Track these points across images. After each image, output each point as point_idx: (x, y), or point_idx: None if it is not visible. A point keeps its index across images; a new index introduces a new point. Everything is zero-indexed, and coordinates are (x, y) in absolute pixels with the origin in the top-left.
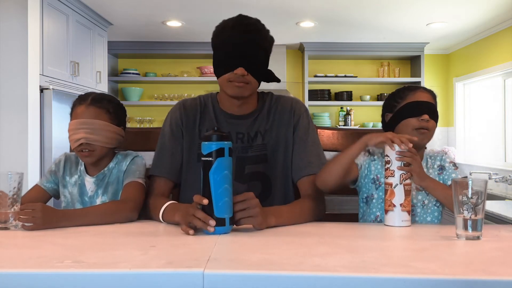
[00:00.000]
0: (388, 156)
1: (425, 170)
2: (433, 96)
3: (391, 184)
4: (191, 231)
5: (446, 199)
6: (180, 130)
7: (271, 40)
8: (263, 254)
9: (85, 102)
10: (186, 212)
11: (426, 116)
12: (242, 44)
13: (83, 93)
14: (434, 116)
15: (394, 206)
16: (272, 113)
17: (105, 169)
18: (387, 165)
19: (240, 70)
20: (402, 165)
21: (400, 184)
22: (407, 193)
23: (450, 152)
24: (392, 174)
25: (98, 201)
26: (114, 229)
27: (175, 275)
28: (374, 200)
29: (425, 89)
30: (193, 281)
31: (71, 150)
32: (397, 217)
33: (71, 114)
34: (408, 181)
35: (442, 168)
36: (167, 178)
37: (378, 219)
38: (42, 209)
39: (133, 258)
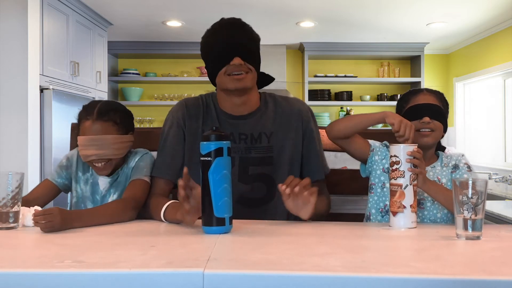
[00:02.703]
0: (397, 157)
1: (439, 168)
2: (439, 97)
3: (400, 185)
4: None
5: (447, 202)
6: (182, 130)
7: (257, 35)
8: (263, 254)
9: (91, 117)
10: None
11: (426, 119)
12: (233, 37)
13: (87, 103)
14: (438, 116)
15: (404, 207)
16: (279, 115)
17: (119, 169)
18: (396, 166)
19: (237, 60)
20: (412, 166)
21: (410, 185)
22: (415, 194)
23: (450, 152)
24: (402, 175)
25: (110, 200)
26: (114, 229)
27: (175, 275)
28: (385, 189)
29: (428, 90)
30: (193, 281)
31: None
32: (408, 218)
33: (78, 126)
34: (415, 182)
35: (456, 167)
36: (168, 179)
37: (387, 208)
38: (60, 213)
39: (133, 258)
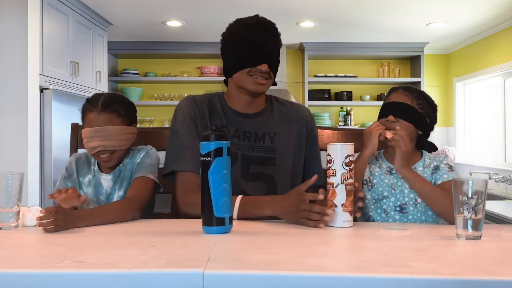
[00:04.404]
0: (330, 155)
1: (420, 169)
2: (415, 95)
3: (332, 184)
4: (322, 225)
5: (422, 192)
6: (195, 123)
7: (281, 43)
8: (263, 254)
9: (95, 109)
10: (297, 208)
11: (390, 117)
12: (266, 42)
13: (90, 96)
14: (406, 115)
15: (336, 206)
16: (284, 118)
17: (121, 165)
18: (329, 164)
19: (265, 66)
20: (344, 165)
21: (342, 184)
22: (349, 193)
23: (450, 152)
24: (333, 173)
25: (115, 197)
26: (114, 229)
27: (175, 275)
28: (366, 201)
29: (406, 89)
30: (193, 281)
31: (73, 150)
32: (338, 217)
33: (82, 119)
34: (350, 181)
35: (436, 168)
36: (193, 171)
37: (370, 220)
38: (63, 212)
39: (133, 258)
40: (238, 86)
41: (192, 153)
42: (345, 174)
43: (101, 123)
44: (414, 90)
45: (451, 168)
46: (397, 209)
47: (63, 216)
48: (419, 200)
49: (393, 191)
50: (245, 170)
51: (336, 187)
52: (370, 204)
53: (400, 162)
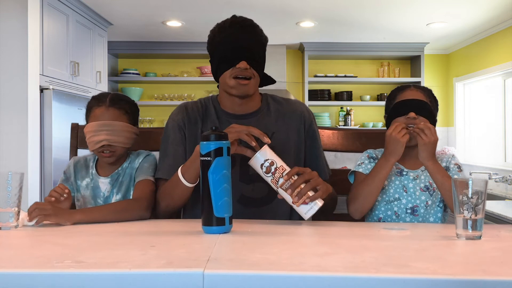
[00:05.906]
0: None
1: None
2: (426, 93)
3: (276, 194)
4: (254, 142)
5: (443, 186)
6: (183, 132)
7: (266, 37)
8: (263, 254)
9: (104, 104)
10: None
11: (412, 114)
12: (241, 39)
13: (95, 95)
14: (424, 113)
15: (291, 206)
16: (280, 116)
17: (119, 168)
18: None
19: (243, 64)
20: (265, 174)
21: (278, 188)
22: (289, 190)
23: (449, 152)
24: (269, 186)
25: (113, 200)
26: (114, 229)
27: (175, 275)
28: (376, 203)
29: (416, 86)
30: (193, 281)
31: (73, 150)
32: (302, 212)
33: (87, 115)
34: (281, 181)
35: (447, 169)
36: (168, 179)
37: (381, 222)
38: (50, 203)
39: (133, 258)
40: (225, 90)
41: (172, 160)
42: (273, 180)
43: (108, 118)
44: (425, 87)
45: (459, 168)
46: (408, 211)
47: (48, 205)
48: (429, 202)
49: (405, 193)
50: (244, 173)
51: (279, 193)
52: (380, 205)
53: (422, 153)
